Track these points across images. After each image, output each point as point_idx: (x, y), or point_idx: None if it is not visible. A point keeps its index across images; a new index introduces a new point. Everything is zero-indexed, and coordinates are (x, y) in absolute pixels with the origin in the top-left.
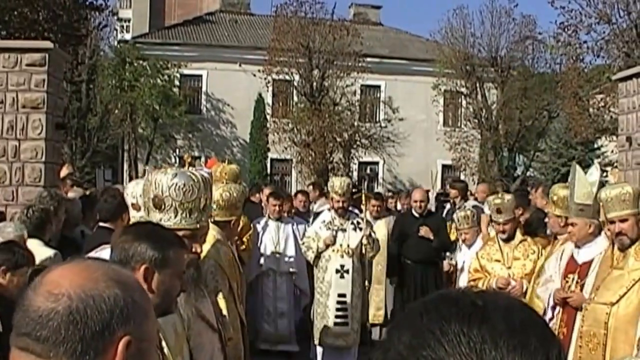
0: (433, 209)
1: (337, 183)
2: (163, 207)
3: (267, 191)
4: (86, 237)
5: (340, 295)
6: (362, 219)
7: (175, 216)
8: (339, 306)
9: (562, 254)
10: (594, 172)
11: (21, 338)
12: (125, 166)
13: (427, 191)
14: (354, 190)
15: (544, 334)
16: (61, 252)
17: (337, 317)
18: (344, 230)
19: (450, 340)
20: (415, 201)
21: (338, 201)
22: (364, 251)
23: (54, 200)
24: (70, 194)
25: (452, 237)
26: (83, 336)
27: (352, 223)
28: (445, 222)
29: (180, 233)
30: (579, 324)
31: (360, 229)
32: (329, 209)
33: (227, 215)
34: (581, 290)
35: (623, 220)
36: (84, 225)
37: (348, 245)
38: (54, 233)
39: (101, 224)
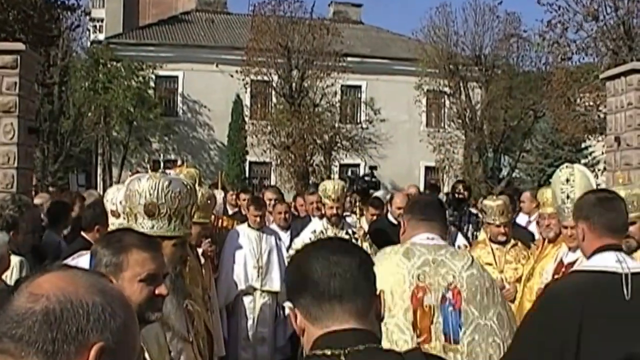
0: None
1: (329, 187)
2: (157, 214)
3: (243, 196)
4: (50, 245)
5: None
6: (359, 228)
7: (169, 223)
8: None
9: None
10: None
11: (1, 339)
12: (99, 170)
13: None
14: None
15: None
16: (33, 261)
17: None
18: None
19: None
20: (399, 208)
21: (331, 207)
22: None
23: (15, 206)
24: (37, 200)
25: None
26: (55, 338)
27: (347, 233)
28: None
29: (172, 241)
30: None
31: (357, 240)
32: (320, 217)
33: (199, 218)
34: None
35: (630, 223)
36: (53, 232)
37: None
38: (21, 242)
39: (82, 233)
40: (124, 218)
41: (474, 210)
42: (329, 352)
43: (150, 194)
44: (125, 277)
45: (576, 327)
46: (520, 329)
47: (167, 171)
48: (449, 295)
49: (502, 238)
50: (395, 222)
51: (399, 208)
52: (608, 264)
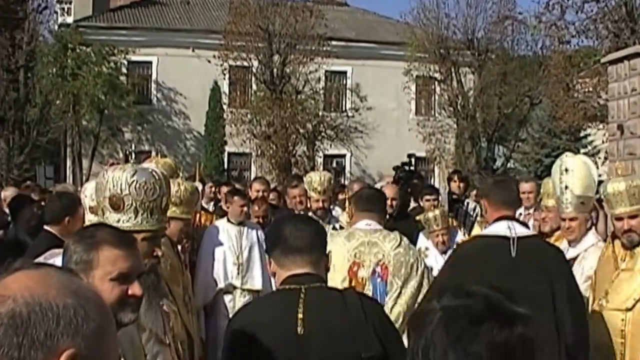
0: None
1: (315, 179)
2: (122, 206)
3: (224, 188)
4: (15, 241)
5: None
6: (347, 224)
7: (136, 217)
8: None
9: None
10: (592, 167)
11: None
12: (69, 162)
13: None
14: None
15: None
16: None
17: None
18: None
19: None
20: (387, 199)
21: (317, 200)
22: None
23: None
24: (4, 193)
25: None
26: (22, 343)
27: (334, 228)
28: (417, 227)
29: (141, 235)
30: None
31: None
32: (304, 212)
33: (181, 213)
34: None
35: (632, 217)
36: (17, 227)
37: None
38: None
39: (45, 227)
40: (99, 212)
41: (471, 204)
42: (292, 287)
43: (113, 186)
44: (96, 275)
45: (472, 278)
46: (435, 279)
47: (145, 165)
48: (378, 269)
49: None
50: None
51: (392, 199)
52: (500, 230)
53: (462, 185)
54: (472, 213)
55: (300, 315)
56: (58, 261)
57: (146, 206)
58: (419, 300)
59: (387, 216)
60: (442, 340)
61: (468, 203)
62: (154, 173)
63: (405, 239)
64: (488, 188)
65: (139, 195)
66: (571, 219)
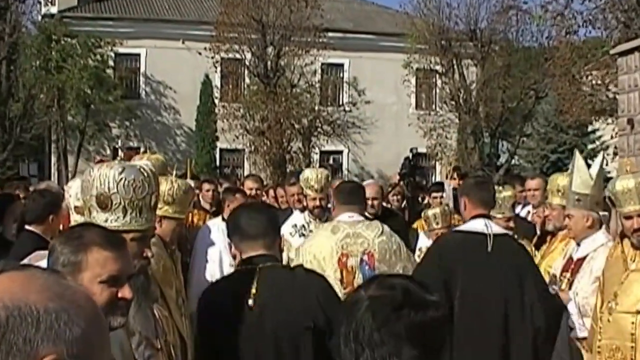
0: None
1: (312, 176)
2: (109, 205)
3: (206, 185)
4: None
5: None
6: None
7: (124, 216)
8: None
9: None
10: (597, 163)
11: None
12: (53, 159)
13: (381, 187)
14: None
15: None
16: None
17: None
18: None
19: None
20: (368, 198)
21: (314, 199)
22: None
23: None
24: None
25: None
26: None
27: None
28: (405, 225)
29: (130, 235)
30: (596, 337)
31: None
32: (301, 210)
33: (174, 212)
34: (570, 287)
35: None
36: (3, 226)
37: None
38: None
39: (26, 226)
40: (86, 211)
41: None
42: (250, 267)
43: (100, 184)
44: (85, 278)
45: (453, 269)
46: (416, 268)
47: (135, 161)
48: (365, 258)
49: (509, 232)
50: (367, 214)
51: (374, 199)
52: (478, 227)
53: (461, 182)
54: None
55: (253, 291)
56: (44, 264)
57: (135, 205)
58: None
59: (372, 217)
60: (369, 323)
61: None
62: (142, 170)
63: (386, 227)
64: (469, 187)
65: (127, 193)
66: (568, 216)
